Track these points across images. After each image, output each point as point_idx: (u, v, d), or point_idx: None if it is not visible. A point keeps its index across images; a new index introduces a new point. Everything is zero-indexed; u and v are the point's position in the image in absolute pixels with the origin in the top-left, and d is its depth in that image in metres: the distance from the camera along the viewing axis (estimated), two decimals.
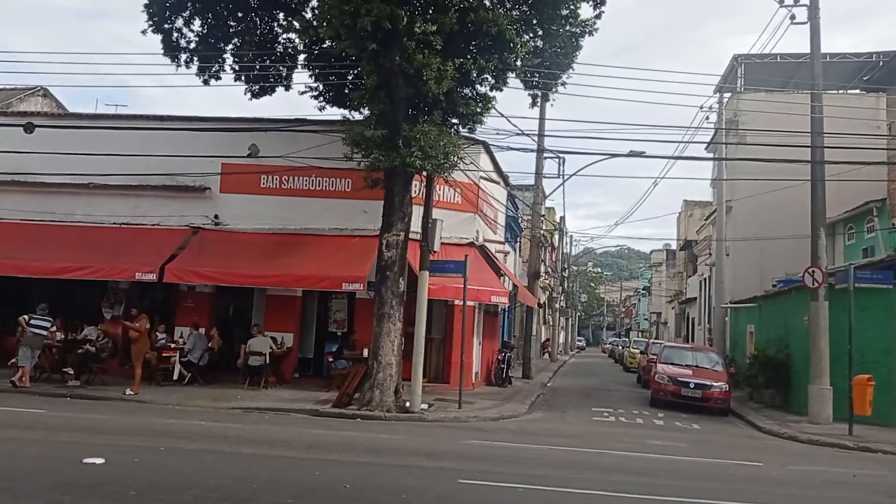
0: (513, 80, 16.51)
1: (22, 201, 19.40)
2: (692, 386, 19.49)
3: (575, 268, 67.03)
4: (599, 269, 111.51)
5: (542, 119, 24.86)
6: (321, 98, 17.42)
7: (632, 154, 21.16)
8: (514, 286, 25.27)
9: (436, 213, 16.32)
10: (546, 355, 43.71)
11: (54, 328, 16.88)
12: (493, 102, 15.62)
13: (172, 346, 17.90)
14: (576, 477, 9.74)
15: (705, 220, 38.99)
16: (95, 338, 17.31)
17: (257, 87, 17.98)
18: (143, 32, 16.97)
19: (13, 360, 16.22)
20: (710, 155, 30.11)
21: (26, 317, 16.10)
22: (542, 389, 23.20)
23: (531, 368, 26.81)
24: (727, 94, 28.96)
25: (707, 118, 26.83)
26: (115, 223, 19.21)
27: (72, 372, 16.46)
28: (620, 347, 51.03)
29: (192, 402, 15.00)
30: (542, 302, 39.35)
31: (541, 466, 10.49)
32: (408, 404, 15.05)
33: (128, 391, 15.36)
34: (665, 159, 57.38)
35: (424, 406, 15.30)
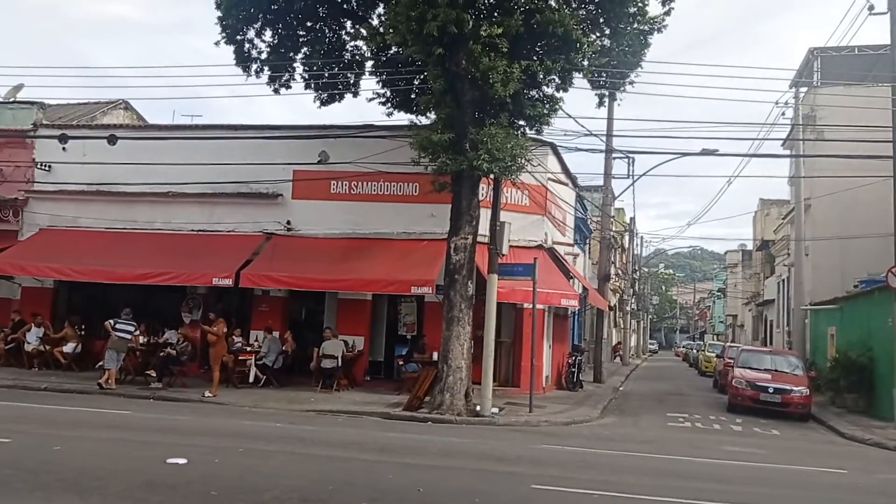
0: (580, 81, 16.35)
1: (106, 210, 20.24)
2: (771, 390, 18.90)
3: (646, 269, 65.86)
4: (671, 271, 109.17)
5: (610, 119, 24.53)
6: (388, 104, 17.61)
7: (704, 152, 20.65)
8: (584, 289, 24.98)
9: (504, 215, 16.28)
10: (617, 359, 43.06)
11: (138, 332, 17.54)
12: (560, 103, 15.50)
13: (248, 349, 18.36)
14: (652, 484, 9.56)
15: (783, 219, 37.72)
16: (176, 341, 17.90)
17: (326, 94, 18.28)
18: (217, 44, 17.54)
19: (100, 363, 16.92)
20: (787, 152, 29.12)
21: (111, 321, 16.80)
22: (614, 394, 22.86)
23: (602, 372, 26.43)
24: (803, 89, 27.95)
25: (783, 114, 25.98)
26: (192, 230, 19.83)
27: (154, 374, 17.06)
28: (695, 351, 49.78)
29: (268, 405, 15.35)
30: (612, 305, 38.78)
31: (615, 472, 10.33)
32: (478, 408, 15.04)
33: (207, 393, 15.83)
34: (739, 157, 55.74)
35: (495, 410, 15.27)
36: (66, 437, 10.52)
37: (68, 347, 18.98)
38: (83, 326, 19.54)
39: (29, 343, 19.06)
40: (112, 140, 18.18)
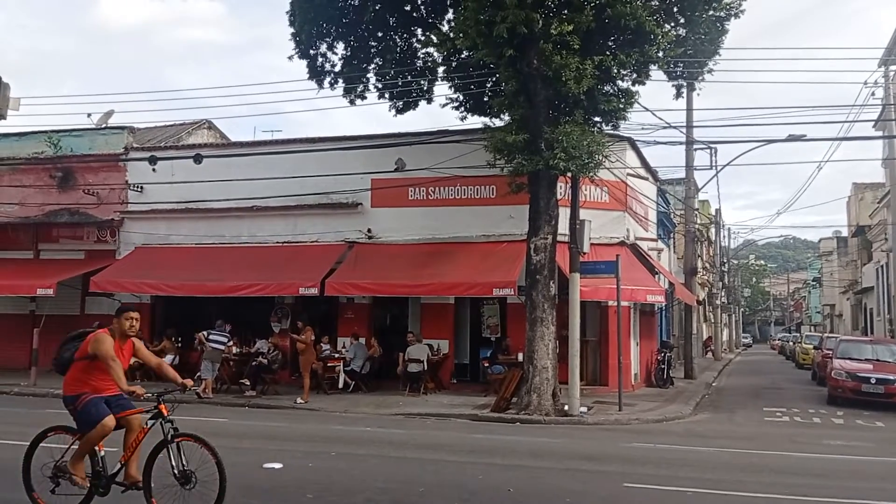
0: (656, 73, 16.03)
1: (195, 226, 21.05)
2: (873, 381, 18.03)
3: (735, 261, 63.79)
4: (762, 262, 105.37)
5: (689, 109, 23.93)
6: (462, 108, 17.68)
7: (791, 138, 19.91)
8: (670, 284, 24.43)
9: (583, 213, 16.11)
10: (709, 354, 41.89)
11: (231, 343, 18.16)
12: (636, 97, 15.24)
13: (336, 355, 18.75)
14: (751, 480, 9.27)
15: (878, 202, 35.92)
16: (267, 350, 18.46)
17: (401, 102, 18.51)
18: (290, 58, 18.01)
19: (197, 374, 17.60)
20: (879, 133, 27.73)
21: (205, 333, 17.46)
22: (706, 389, 22.25)
23: (693, 368, 25.77)
24: (893, 67, 26.57)
25: (872, 94, 24.73)
26: (277, 242, 20.40)
27: (248, 383, 17.63)
28: (791, 343, 47.96)
29: (358, 409, 15.64)
30: (701, 299, 37.76)
31: (711, 469, 10.08)
32: (566, 407, 14.92)
33: (298, 400, 16.24)
34: (828, 141, 53.41)
35: (583, 409, 15.11)
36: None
37: (167, 359, 19.79)
38: (179, 339, 20.37)
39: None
40: (198, 159, 18.92)
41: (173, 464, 6.71)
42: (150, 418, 6.91)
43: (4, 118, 4.97)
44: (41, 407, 15.50)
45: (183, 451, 6.77)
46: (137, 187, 21.47)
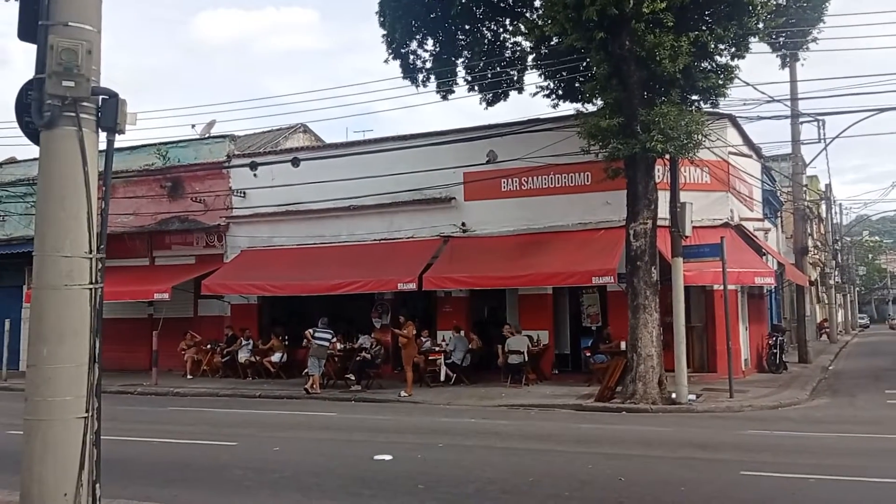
0: (755, 45, 15.38)
1: (296, 228, 21.68)
2: None
3: (848, 239, 60.54)
4: (877, 238, 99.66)
5: (793, 81, 22.84)
6: (552, 95, 17.48)
7: None
8: (779, 265, 23.42)
9: (683, 195, 15.64)
10: (823, 336, 39.98)
11: (335, 339, 18.64)
12: (736, 72, 14.67)
13: (437, 349, 18.94)
14: (875, 465, 8.82)
15: None
16: (369, 346, 18.84)
17: (491, 94, 18.47)
18: (385, 61, 18.24)
19: (305, 370, 18.15)
20: None
21: (311, 330, 17.99)
22: (823, 373, 21.25)
23: (808, 351, 24.63)
24: None
25: None
26: (374, 239, 20.75)
27: (353, 378, 18.05)
28: None
29: (461, 401, 15.75)
30: (813, 279, 36.06)
31: (833, 455, 9.64)
32: (673, 395, 14.56)
33: (402, 393, 16.51)
34: None
35: (692, 397, 14.70)
36: (284, 439, 11.40)
37: (275, 357, 20.54)
38: (286, 337, 21.05)
39: (242, 355, 20.86)
40: (295, 163, 19.49)
41: None
42: None
43: (123, 133, 5.23)
44: (162, 405, 16.40)
45: None
46: (241, 193, 22.29)
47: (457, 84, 18.63)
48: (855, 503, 7.56)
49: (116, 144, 5.32)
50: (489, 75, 18.18)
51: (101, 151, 5.30)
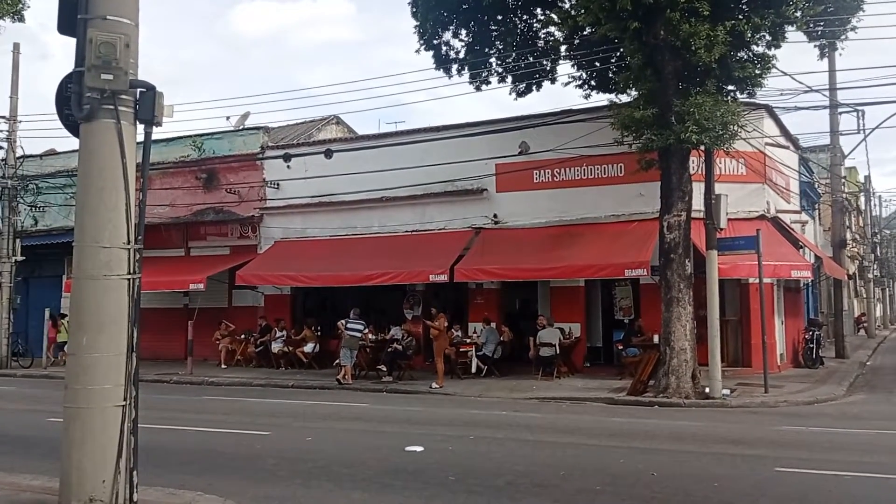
0: (793, 34, 15.07)
1: (329, 219, 21.82)
2: None
3: (888, 231, 59.20)
4: None
5: (832, 71, 22.34)
6: (585, 86, 17.36)
7: None
8: (817, 258, 23.01)
9: (718, 187, 15.44)
10: (862, 331, 39.20)
11: (367, 330, 18.74)
12: (773, 61, 14.42)
13: (468, 341, 18.95)
14: None
15: None
16: (401, 337, 18.90)
17: (523, 85, 18.39)
18: (417, 52, 18.27)
19: (337, 361, 18.29)
20: None
21: (343, 321, 18.11)
22: (860, 369, 20.87)
23: (845, 347, 24.18)
24: None
25: None
26: (406, 231, 20.80)
27: (384, 369, 18.13)
28: None
29: (492, 394, 15.75)
30: (851, 273, 35.36)
31: (871, 452, 9.46)
32: (707, 390, 14.41)
33: (433, 385, 16.55)
34: None
35: (726, 391, 14.54)
36: (316, 429, 11.51)
37: (308, 347, 20.73)
38: (319, 328, 21.23)
39: (275, 345, 21.08)
40: (328, 154, 19.59)
41: None
42: None
43: (160, 125, 5.30)
44: (197, 394, 16.64)
45: None
46: (274, 184, 22.47)
47: (491, 75, 18.57)
48: (891, 501, 7.42)
49: (153, 136, 5.40)
50: (522, 66, 18.08)
51: (138, 143, 5.39)
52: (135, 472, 5.23)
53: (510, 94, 18.76)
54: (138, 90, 5.20)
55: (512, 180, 19.48)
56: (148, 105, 5.17)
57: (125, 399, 5.09)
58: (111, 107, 5.05)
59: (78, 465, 5.00)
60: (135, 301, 5.13)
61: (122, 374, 5.05)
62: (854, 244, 37.54)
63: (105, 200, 5.01)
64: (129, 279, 5.09)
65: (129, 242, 5.09)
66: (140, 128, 5.31)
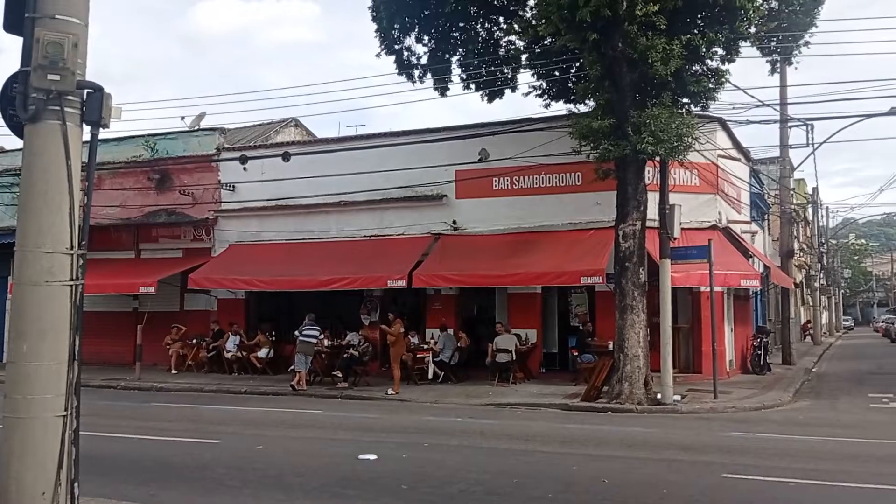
0: (747, 49, 15.42)
1: (285, 223, 21.58)
2: None
3: (834, 241, 60.91)
4: (863, 241, 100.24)
5: (783, 86, 22.91)
6: (545, 95, 17.51)
7: (893, 111, 18.88)
8: (766, 267, 23.53)
9: (672, 197, 15.69)
10: (808, 338, 40.23)
11: (322, 336, 18.57)
12: (727, 76, 14.69)
13: (425, 346, 18.91)
14: (858, 470, 8.88)
15: None
16: (357, 343, 18.78)
17: (488, 91, 18.47)
18: (377, 56, 18.22)
19: (291, 367, 18.08)
20: None
21: (298, 330, 17.92)
22: (806, 375, 21.37)
23: (792, 353, 24.78)
24: None
25: None
26: (364, 236, 20.68)
27: (340, 375, 17.99)
28: None
29: (448, 400, 15.73)
30: (798, 282, 36.27)
31: (814, 459, 9.68)
32: (659, 396, 14.60)
33: (389, 391, 16.48)
34: None
35: (677, 397, 14.76)
36: (268, 437, 11.35)
37: (262, 353, 20.46)
38: (274, 333, 20.97)
39: (228, 350, 20.76)
40: (286, 157, 19.38)
41: None
42: None
43: (108, 127, 5.17)
44: (145, 400, 16.30)
45: None
46: (230, 186, 22.15)
47: (452, 81, 18.62)
48: None
49: (104, 135, 5.27)
50: (484, 73, 18.16)
51: (85, 142, 5.25)
52: (76, 484, 5.08)
53: (481, 99, 18.83)
54: (86, 91, 5.06)
55: (471, 187, 19.52)
56: (95, 106, 5.03)
57: (66, 409, 4.93)
58: (57, 108, 4.90)
59: (17, 477, 4.83)
60: (77, 308, 4.98)
61: (64, 383, 4.90)
62: (801, 254, 38.54)
63: (48, 204, 4.86)
64: (71, 285, 4.94)
65: (72, 247, 4.94)
66: (87, 129, 5.18)
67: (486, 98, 18.54)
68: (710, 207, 18.87)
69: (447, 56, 18.14)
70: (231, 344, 20.75)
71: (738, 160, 22.03)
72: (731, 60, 14.82)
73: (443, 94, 18.57)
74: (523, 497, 7.52)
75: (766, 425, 12.67)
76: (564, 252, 17.71)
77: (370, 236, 20.59)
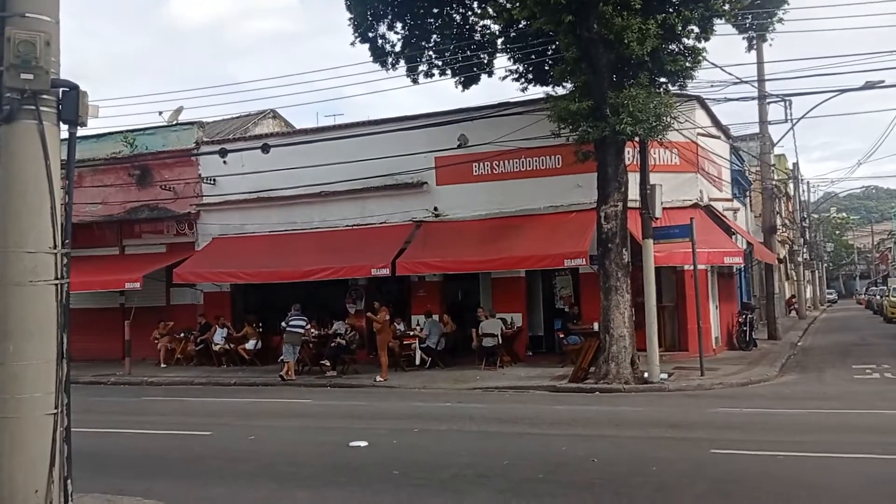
0: (722, 27, 15.49)
1: (267, 215, 21.50)
2: None
3: (816, 216, 61.49)
4: (844, 215, 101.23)
5: (760, 63, 23.03)
6: (522, 79, 17.50)
7: (868, 85, 19.09)
8: (749, 244, 23.76)
9: (653, 177, 15.78)
10: (793, 313, 40.66)
11: (309, 326, 18.59)
12: (703, 54, 14.75)
13: (411, 333, 18.98)
14: (840, 440, 9.06)
15: None
16: (344, 331, 18.82)
17: (464, 77, 18.44)
18: (352, 44, 18.13)
19: (280, 357, 18.10)
20: None
21: (285, 322, 17.93)
22: (792, 350, 21.65)
23: (777, 328, 25.08)
24: None
25: None
26: (347, 225, 20.66)
27: (328, 364, 18.04)
28: (878, 297, 46.02)
29: (436, 385, 15.82)
30: (781, 257, 36.60)
31: (801, 432, 9.85)
32: (646, 375, 14.76)
33: (377, 378, 16.55)
34: None
35: (664, 376, 14.92)
36: (259, 427, 11.39)
37: (250, 344, 20.46)
38: (260, 324, 20.96)
39: (216, 343, 20.74)
40: (265, 149, 19.27)
41: None
42: None
43: (85, 125, 5.16)
44: (136, 395, 16.28)
45: None
46: (210, 180, 22.03)
47: (426, 67, 18.56)
48: (822, 479, 7.73)
49: (82, 132, 5.27)
50: (460, 59, 18.13)
51: (63, 140, 5.23)
52: (69, 481, 5.11)
53: (455, 86, 18.79)
54: (61, 90, 5.04)
55: (451, 173, 19.53)
56: (71, 105, 5.02)
57: (56, 407, 4.96)
58: (32, 107, 4.89)
59: (9, 477, 4.86)
60: (63, 306, 4.99)
61: (53, 382, 4.92)
62: (784, 229, 38.87)
63: (28, 204, 4.85)
64: (56, 284, 4.95)
65: (55, 246, 4.95)
66: (64, 127, 5.16)
67: (461, 86, 18.51)
68: (691, 186, 19.00)
69: (423, 43, 18.08)
70: (219, 336, 20.74)
71: (718, 138, 22.16)
72: (707, 38, 14.87)
73: (415, 82, 18.55)
74: (514, 479, 7.61)
75: (753, 400, 12.85)
76: (547, 235, 17.79)
77: (352, 226, 20.58)
